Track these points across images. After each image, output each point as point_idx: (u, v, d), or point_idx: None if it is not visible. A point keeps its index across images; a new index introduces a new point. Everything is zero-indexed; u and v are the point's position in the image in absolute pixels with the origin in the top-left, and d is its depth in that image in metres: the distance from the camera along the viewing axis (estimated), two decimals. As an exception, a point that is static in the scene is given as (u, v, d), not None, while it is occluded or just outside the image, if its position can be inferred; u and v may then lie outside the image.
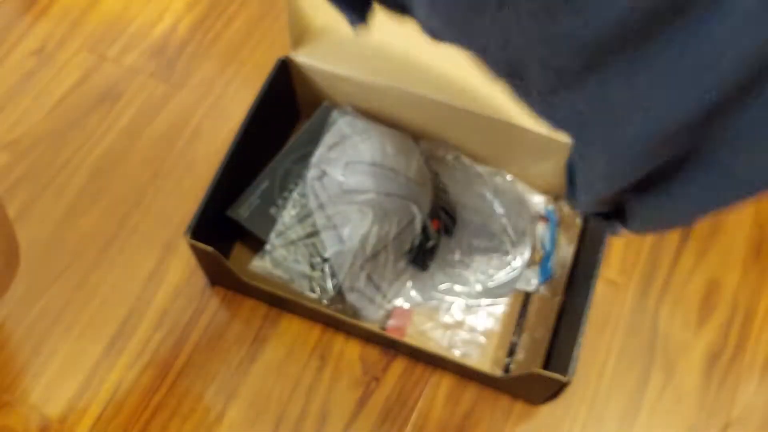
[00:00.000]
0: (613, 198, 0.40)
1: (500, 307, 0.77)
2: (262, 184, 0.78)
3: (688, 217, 0.38)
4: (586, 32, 0.28)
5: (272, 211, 0.77)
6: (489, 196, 0.81)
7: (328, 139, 0.80)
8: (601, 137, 0.34)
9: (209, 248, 0.67)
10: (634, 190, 0.38)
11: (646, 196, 0.38)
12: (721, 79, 0.28)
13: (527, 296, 0.77)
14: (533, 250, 0.79)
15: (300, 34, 0.78)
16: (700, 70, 0.28)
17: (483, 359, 0.74)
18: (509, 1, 0.29)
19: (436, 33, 0.37)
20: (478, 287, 0.77)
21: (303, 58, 0.78)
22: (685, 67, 0.28)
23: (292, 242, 0.76)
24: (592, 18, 0.28)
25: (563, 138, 0.69)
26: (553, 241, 0.80)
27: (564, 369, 0.62)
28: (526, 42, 0.31)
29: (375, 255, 0.75)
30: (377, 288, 0.75)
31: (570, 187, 0.44)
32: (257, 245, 0.77)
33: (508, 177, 0.82)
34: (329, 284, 0.75)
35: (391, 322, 0.75)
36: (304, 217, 0.76)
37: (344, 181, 0.77)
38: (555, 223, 0.81)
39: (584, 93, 0.32)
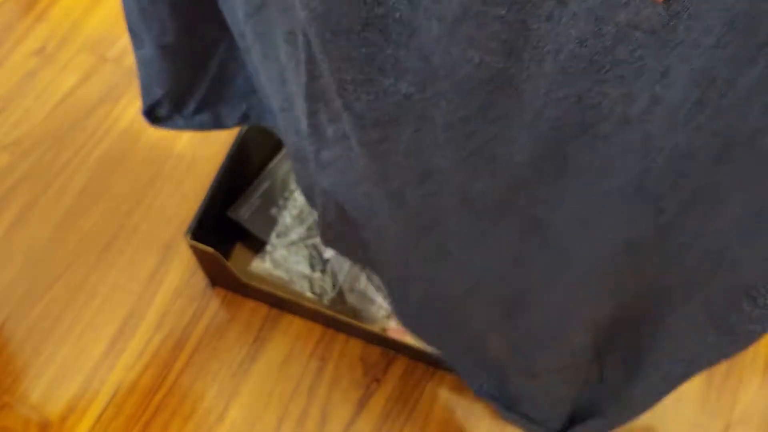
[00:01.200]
0: None
1: (501, 307, 0.77)
2: (263, 184, 0.78)
3: None
4: None
5: (273, 211, 0.77)
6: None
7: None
8: None
9: (210, 249, 0.67)
10: None
11: None
12: None
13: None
14: (534, 250, 0.79)
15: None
16: None
17: (484, 360, 0.74)
18: None
19: None
20: (479, 288, 0.77)
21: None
22: None
23: (293, 243, 0.76)
24: None
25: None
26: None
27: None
28: None
29: (376, 256, 0.75)
30: (378, 289, 0.75)
31: None
32: (258, 246, 0.77)
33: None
34: (329, 285, 0.75)
35: (391, 323, 0.75)
36: (305, 217, 0.76)
37: (345, 181, 0.77)
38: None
39: None
